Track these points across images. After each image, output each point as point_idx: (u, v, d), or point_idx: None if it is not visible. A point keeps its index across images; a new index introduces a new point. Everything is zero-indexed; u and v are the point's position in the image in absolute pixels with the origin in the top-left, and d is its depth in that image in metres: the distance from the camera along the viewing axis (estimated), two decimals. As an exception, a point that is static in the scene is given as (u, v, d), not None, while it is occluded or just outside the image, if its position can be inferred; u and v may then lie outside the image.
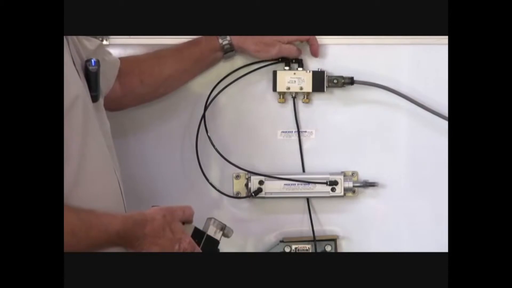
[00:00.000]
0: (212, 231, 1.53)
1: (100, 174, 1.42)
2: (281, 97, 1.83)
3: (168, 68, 1.72)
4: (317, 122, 1.85)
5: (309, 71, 1.81)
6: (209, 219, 1.54)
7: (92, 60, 1.45)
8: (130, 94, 1.71)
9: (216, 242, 1.53)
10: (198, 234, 1.51)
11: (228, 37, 1.74)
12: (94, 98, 1.46)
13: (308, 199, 1.86)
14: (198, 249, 1.48)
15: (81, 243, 1.31)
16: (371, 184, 1.84)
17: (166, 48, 1.74)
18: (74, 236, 1.29)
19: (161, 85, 1.74)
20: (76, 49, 1.46)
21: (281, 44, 1.76)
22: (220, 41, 1.73)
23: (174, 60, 1.73)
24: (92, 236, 1.33)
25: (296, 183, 1.82)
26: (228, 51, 1.75)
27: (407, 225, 1.88)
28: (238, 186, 1.84)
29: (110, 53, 1.68)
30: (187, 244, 1.45)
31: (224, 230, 1.54)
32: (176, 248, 1.43)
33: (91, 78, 1.45)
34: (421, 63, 1.84)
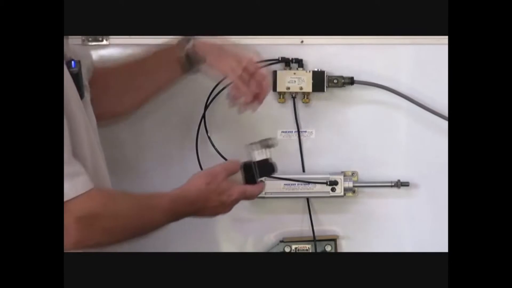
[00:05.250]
0: (257, 156, 1.53)
1: (93, 171, 1.43)
2: (281, 97, 1.83)
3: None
4: (317, 122, 1.85)
5: (309, 71, 1.81)
6: (249, 146, 1.54)
7: (73, 62, 1.44)
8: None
9: (266, 160, 1.53)
10: (248, 168, 1.52)
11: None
12: (80, 96, 1.45)
13: (308, 199, 1.86)
14: (250, 192, 1.50)
15: (136, 225, 1.38)
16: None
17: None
18: (129, 219, 1.36)
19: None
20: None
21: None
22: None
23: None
24: (146, 219, 1.39)
25: (296, 183, 1.82)
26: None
27: (407, 225, 1.88)
28: (238, 186, 1.83)
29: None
30: (236, 196, 1.48)
31: (268, 144, 1.54)
32: (227, 205, 1.48)
33: (74, 79, 1.44)
34: (421, 63, 1.84)
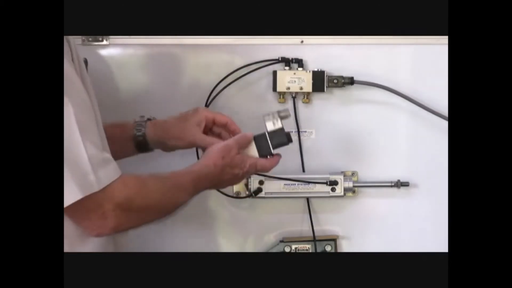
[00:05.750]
0: (271, 126, 1.52)
1: None
2: (281, 97, 1.83)
3: None
4: (317, 122, 1.85)
5: (309, 71, 1.81)
6: (263, 116, 1.54)
7: None
8: None
9: (279, 130, 1.52)
10: (261, 139, 1.52)
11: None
12: None
13: (308, 199, 1.86)
14: (260, 165, 1.51)
15: (165, 205, 1.42)
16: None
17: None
18: (159, 200, 1.39)
19: None
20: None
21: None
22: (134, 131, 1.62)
23: None
24: (173, 199, 1.43)
25: (296, 183, 1.82)
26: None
27: (407, 225, 1.88)
28: (238, 186, 1.83)
29: None
30: (248, 169, 1.50)
31: (281, 115, 1.53)
32: (240, 178, 1.52)
33: None
34: (421, 63, 1.84)
